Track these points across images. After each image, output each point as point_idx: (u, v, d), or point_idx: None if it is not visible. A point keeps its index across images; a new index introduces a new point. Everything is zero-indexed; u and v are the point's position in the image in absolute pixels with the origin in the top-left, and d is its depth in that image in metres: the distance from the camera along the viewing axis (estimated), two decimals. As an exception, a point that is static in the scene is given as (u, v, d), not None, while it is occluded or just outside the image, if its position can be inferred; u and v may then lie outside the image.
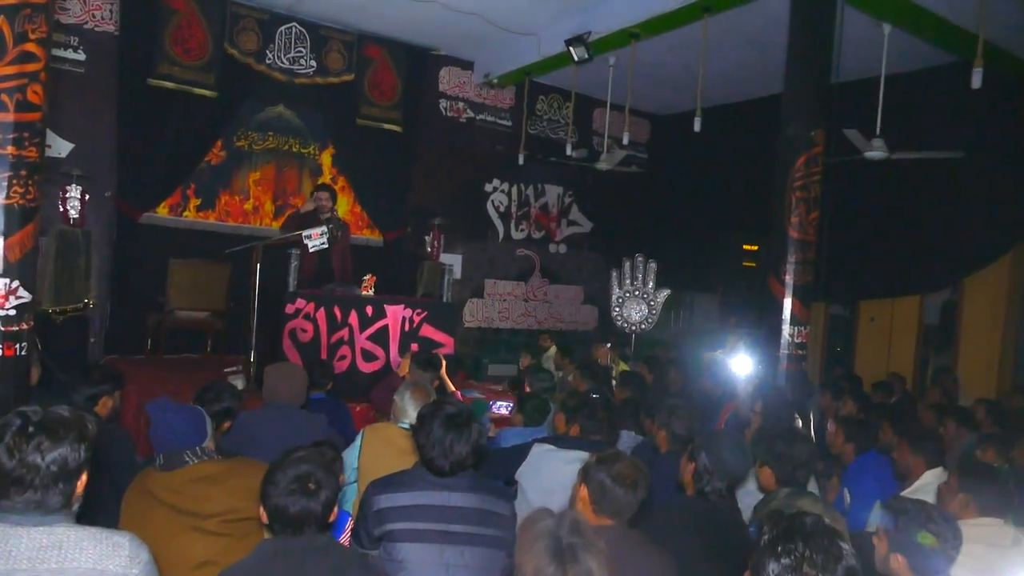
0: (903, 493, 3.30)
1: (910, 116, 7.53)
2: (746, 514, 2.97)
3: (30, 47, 3.50)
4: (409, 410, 3.24)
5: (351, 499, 3.07)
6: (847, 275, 8.63)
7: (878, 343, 9.13)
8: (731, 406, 5.68)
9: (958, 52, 7.02)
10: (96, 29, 7.28)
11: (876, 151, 6.73)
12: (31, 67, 3.51)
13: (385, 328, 5.96)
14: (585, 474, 2.32)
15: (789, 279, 6.05)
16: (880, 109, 6.74)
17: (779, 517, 1.60)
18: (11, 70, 3.45)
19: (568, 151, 8.96)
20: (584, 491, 2.29)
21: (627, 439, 4.07)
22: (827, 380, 7.89)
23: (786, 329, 6.05)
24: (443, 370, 4.82)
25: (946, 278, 8.50)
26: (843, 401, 5.92)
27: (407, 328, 6.06)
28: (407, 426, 3.13)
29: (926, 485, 3.35)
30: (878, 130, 6.73)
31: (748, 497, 3.18)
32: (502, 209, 10.17)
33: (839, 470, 4.58)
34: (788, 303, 6.04)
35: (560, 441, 3.35)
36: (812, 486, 3.43)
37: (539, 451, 3.23)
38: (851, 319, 9.53)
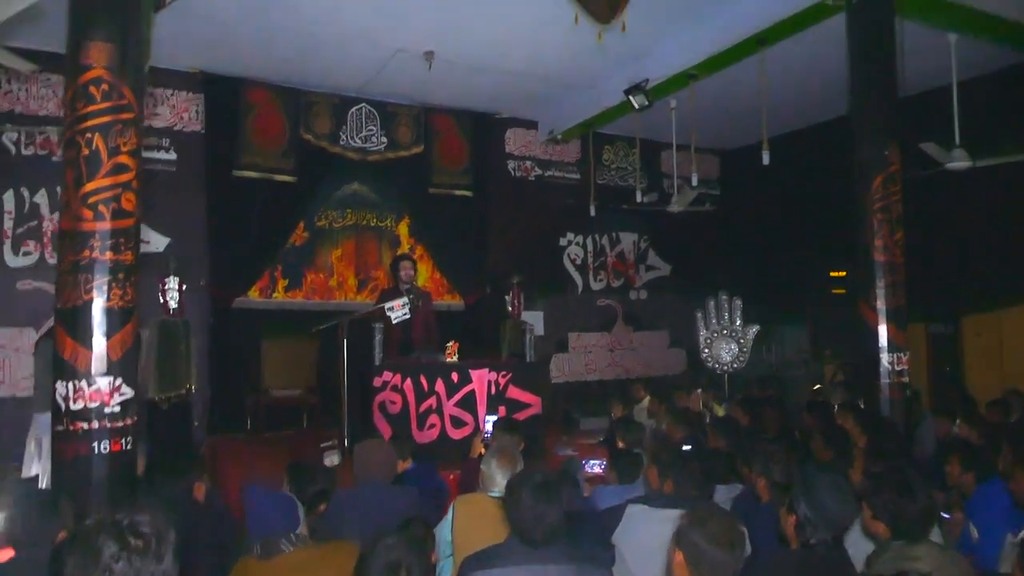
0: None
1: (988, 121, 7.22)
2: (858, 562, 2.79)
3: (123, 159, 3.77)
4: (497, 477, 3.23)
5: (447, 573, 3.07)
6: (944, 292, 8.21)
7: (989, 360, 8.58)
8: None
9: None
10: (185, 130, 7.82)
11: (958, 161, 6.45)
12: (124, 177, 3.77)
13: (472, 393, 5.98)
14: (678, 537, 2.24)
15: (880, 304, 5.79)
16: (956, 118, 6.48)
17: None
18: (106, 182, 3.71)
19: (639, 197, 8.95)
20: (679, 555, 2.22)
21: (723, 492, 3.93)
22: (938, 405, 7.44)
23: (884, 357, 5.77)
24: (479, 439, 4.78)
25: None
26: (956, 426, 5.54)
27: (493, 391, 6.06)
28: (497, 494, 3.12)
29: (1056, 516, 3.07)
30: (957, 140, 6.47)
31: (862, 542, 2.99)
32: (578, 262, 10.18)
33: (960, 502, 4.28)
34: (883, 330, 5.78)
35: (654, 500, 3.26)
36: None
37: (633, 512, 3.16)
38: (955, 337, 9.02)
